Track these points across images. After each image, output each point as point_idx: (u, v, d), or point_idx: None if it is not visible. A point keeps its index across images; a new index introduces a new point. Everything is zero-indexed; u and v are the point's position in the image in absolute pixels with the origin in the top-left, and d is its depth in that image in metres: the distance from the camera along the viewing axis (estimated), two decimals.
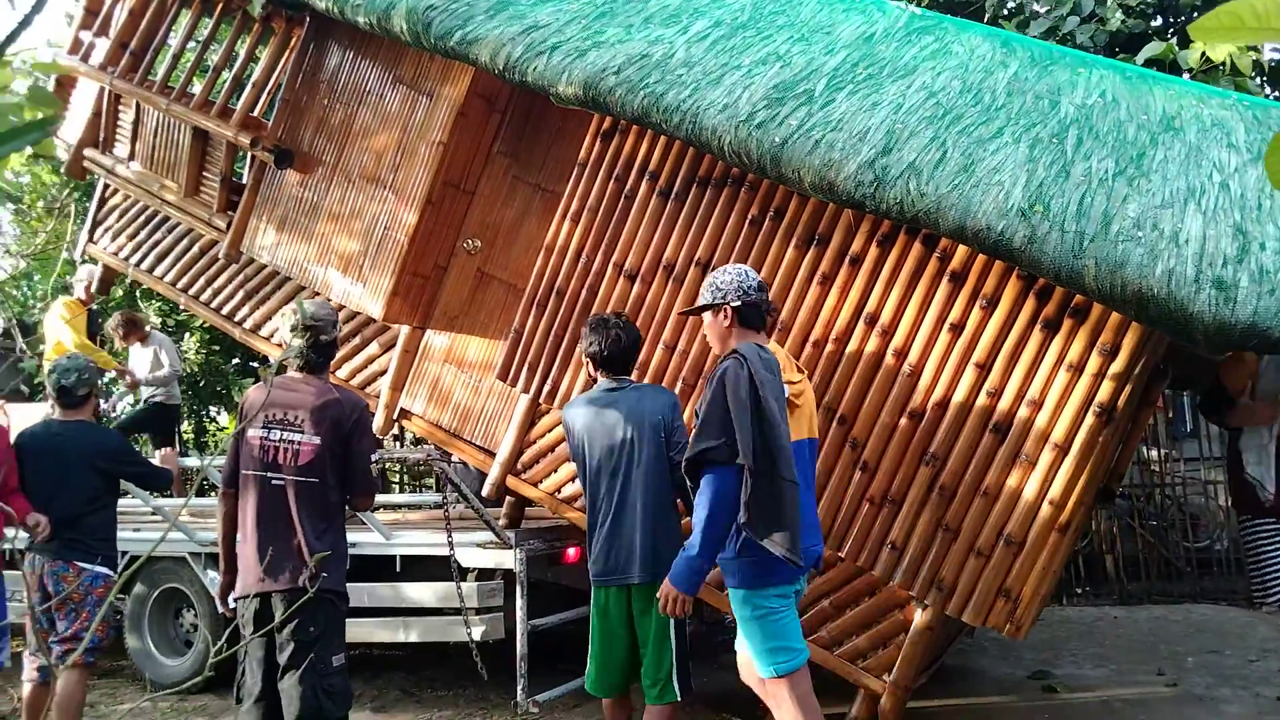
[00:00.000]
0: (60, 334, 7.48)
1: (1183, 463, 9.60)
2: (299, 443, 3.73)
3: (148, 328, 8.43)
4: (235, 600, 3.77)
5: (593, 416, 4.04)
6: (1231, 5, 0.64)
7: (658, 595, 3.42)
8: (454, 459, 5.62)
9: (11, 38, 1.60)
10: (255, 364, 11.06)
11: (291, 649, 3.57)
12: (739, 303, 3.47)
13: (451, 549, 4.87)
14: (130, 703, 6.10)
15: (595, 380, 4.19)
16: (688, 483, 3.36)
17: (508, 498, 5.39)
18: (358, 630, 5.73)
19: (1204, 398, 7.29)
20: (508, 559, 5.28)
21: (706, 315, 3.61)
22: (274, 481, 3.71)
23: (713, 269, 4.61)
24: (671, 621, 3.84)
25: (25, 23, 1.47)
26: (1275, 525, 6.92)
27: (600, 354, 4.09)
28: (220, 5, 6.31)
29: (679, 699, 3.89)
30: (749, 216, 4.59)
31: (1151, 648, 6.72)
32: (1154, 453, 9.69)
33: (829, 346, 4.41)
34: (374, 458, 4.02)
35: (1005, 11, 8.10)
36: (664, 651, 3.88)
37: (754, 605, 3.35)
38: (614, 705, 4.12)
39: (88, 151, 6.75)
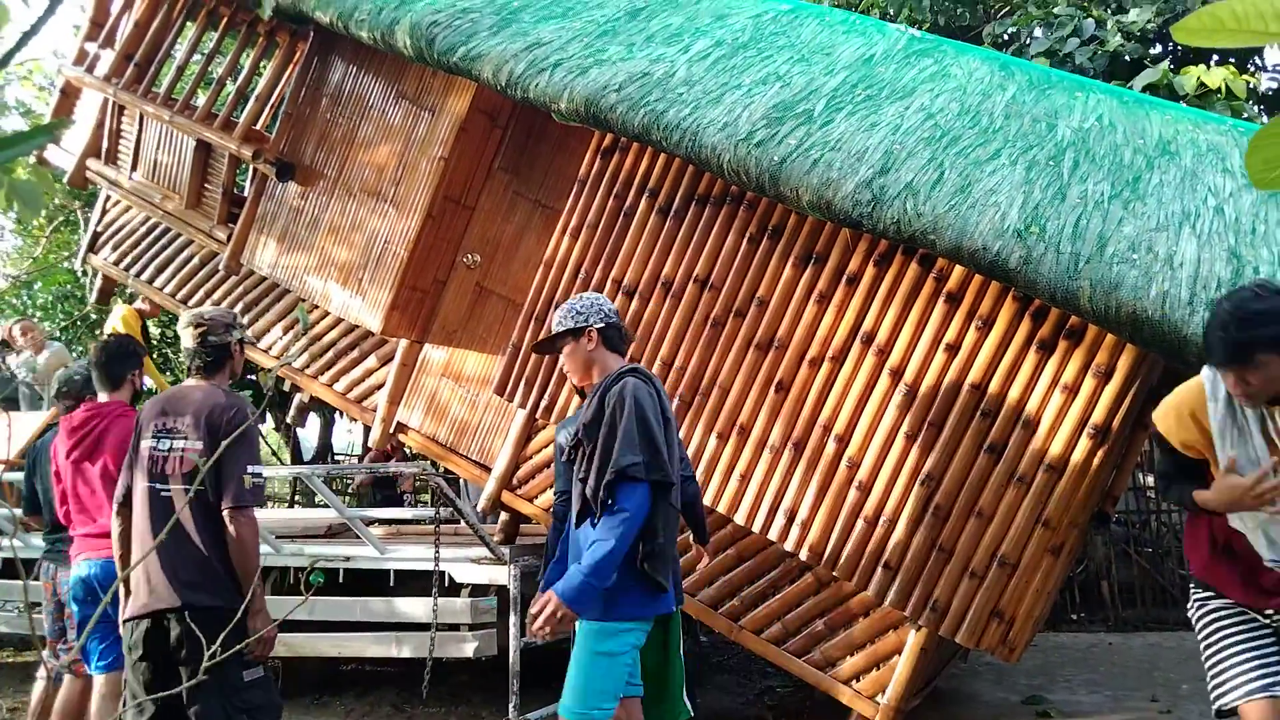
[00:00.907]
0: None
1: None
2: (184, 450, 3.48)
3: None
4: (124, 622, 3.42)
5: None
6: (1212, 7, 0.65)
7: (532, 609, 3.06)
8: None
9: (18, 47, 1.62)
10: (252, 376, 11.05)
11: (193, 671, 3.23)
12: (602, 324, 3.31)
13: (437, 562, 4.84)
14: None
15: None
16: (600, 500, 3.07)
17: (503, 513, 5.38)
18: (351, 645, 5.70)
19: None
20: (502, 575, 5.25)
21: (567, 344, 3.36)
22: (163, 493, 3.46)
23: (711, 286, 4.64)
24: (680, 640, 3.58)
25: (31, 33, 1.49)
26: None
27: None
28: (225, 19, 6.36)
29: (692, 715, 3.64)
30: (747, 234, 4.60)
31: (1146, 674, 6.70)
32: (1150, 478, 9.67)
33: (825, 365, 4.42)
34: (255, 470, 3.49)
35: (1005, 37, 8.16)
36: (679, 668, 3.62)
37: (606, 642, 3.07)
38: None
39: (90, 162, 6.78)
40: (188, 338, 3.61)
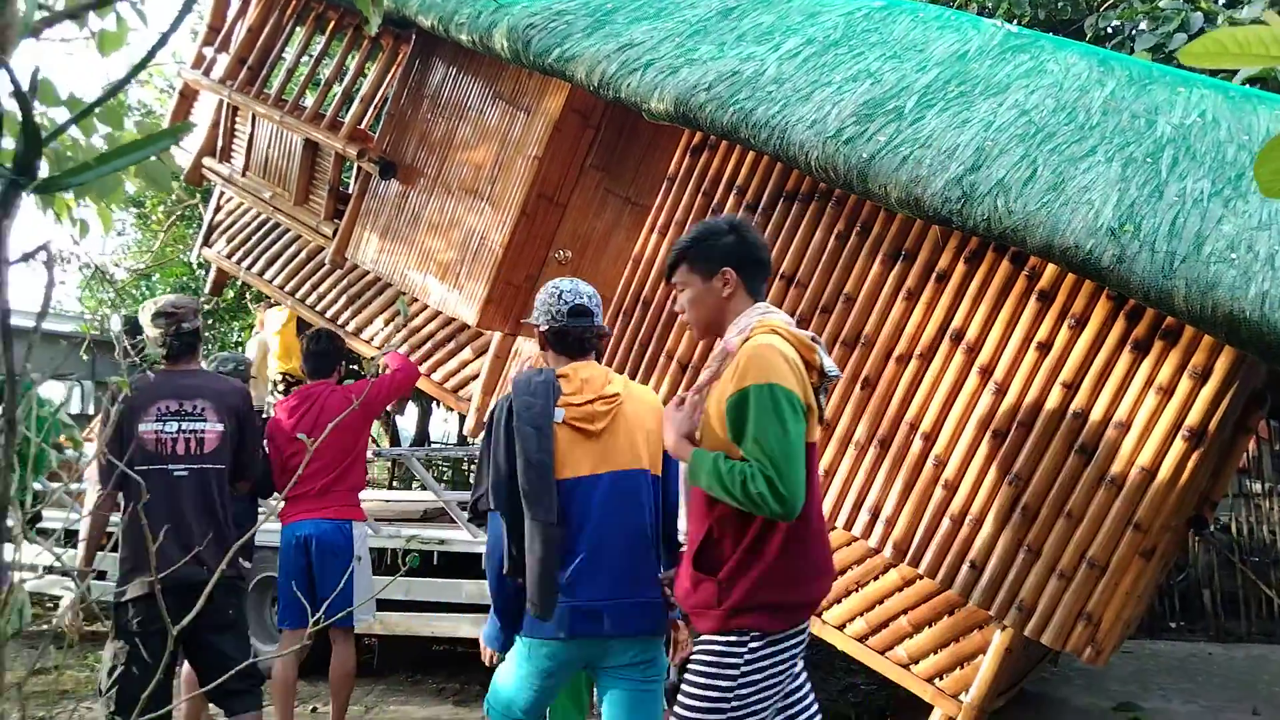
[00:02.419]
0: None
1: None
2: (204, 431, 3.85)
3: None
4: (134, 599, 3.64)
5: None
6: (1217, 33, 0.70)
7: None
8: None
9: (144, 62, 1.78)
10: (355, 365, 11.45)
11: (217, 633, 3.70)
12: (545, 327, 3.15)
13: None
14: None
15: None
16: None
17: None
18: (444, 625, 5.92)
19: None
20: None
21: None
22: (176, 473, 3.76)
23: (798, 283, 4.68)
24: None
25: (159, 45, 1.64)
26: None
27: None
28: (332, 23, 6.64)
29: None
30: (835, 231, 4.63)
31: (1248, 686, 6.49)
32: (1258, 485, 9.33)
33: (913, 362, 4.42)
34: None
35: (1108, 30, 7.95)
36: None
37: (520, 653, 3.00)
38: None
39: (206, 160, 7.15)
40: (156, 327, 3.89)
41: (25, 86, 1.30)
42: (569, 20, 5.12)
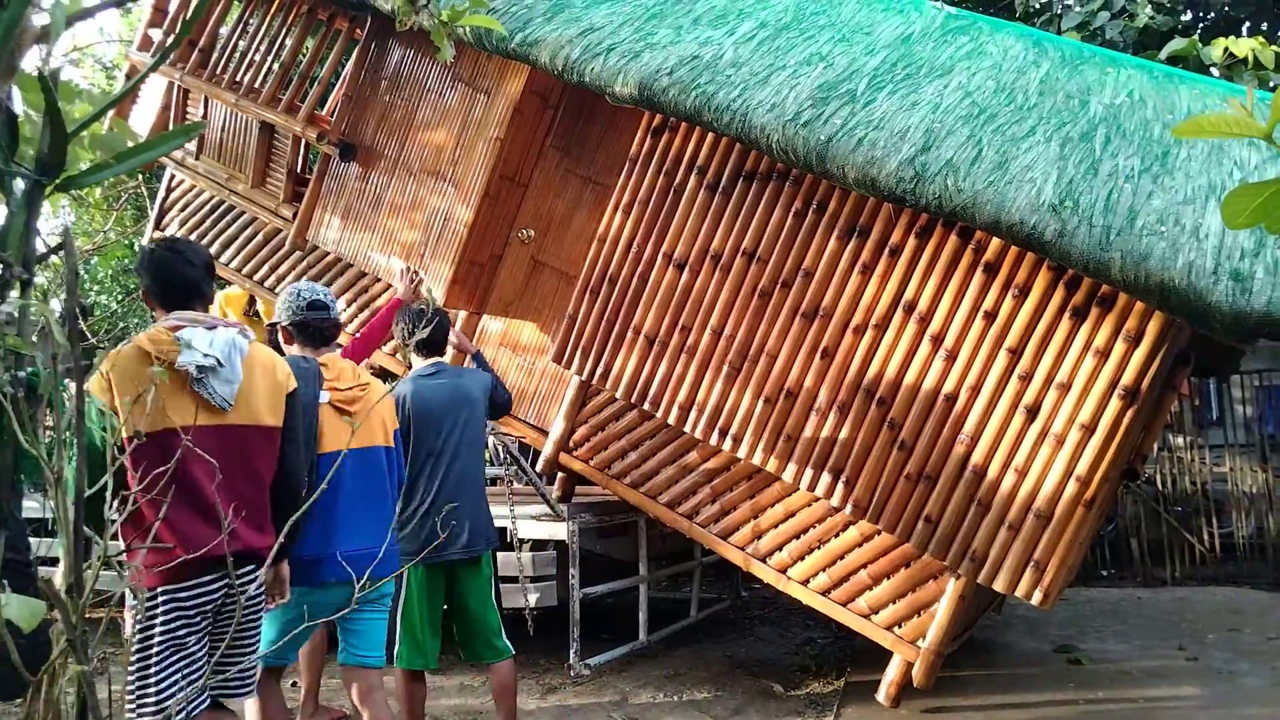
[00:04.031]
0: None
1: (1208, 450, 9.78)
2: None
3: None
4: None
5: (424, 394, 4.08)
6: (1200, 118, 0.92)
7: None
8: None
9: (158, 63, 1.89)
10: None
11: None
12: (288, 322, 3.59)
13: (513, 521, 5.18)
14: None
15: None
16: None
17: (559, 474, 5.71)
18: None
19: None
20: (560, 531, 5.59)
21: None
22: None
23: (759, 259, 4.91)
24: (492, 586, 4.14)
25: (164, 57, 1.75)
26: None
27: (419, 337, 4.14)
28: (276, 1, 6.61)
29: (512, 654, 4.14)
30: (793, 209, 4.86)
31: (1173, 626, 6.97)
32: (1180, 440, 9.89)
33: (869, 333, 4.69)
34: None
35: (1035, 6, 8.29)
36: (491, 614, 4.11)
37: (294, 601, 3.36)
38: (422, 678, 4.16)
39: None
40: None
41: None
42: (529, 4, 5.24)
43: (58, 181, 1.61)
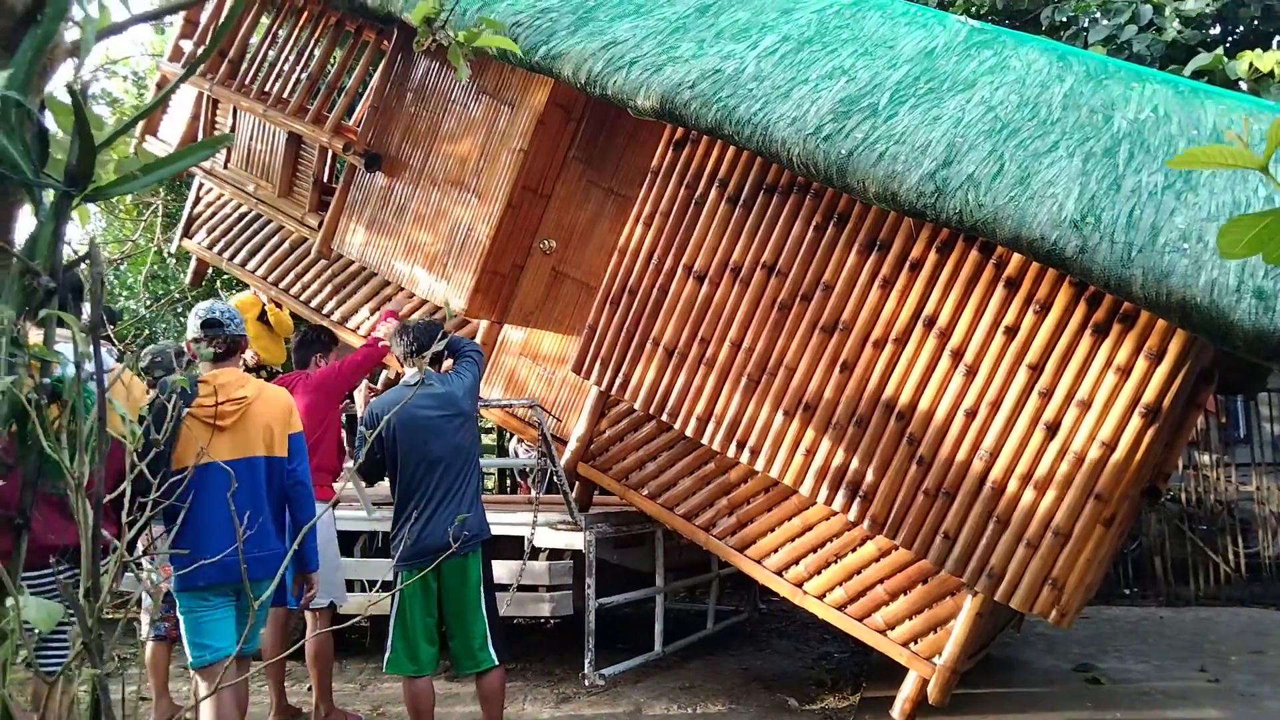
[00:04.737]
0: None
1: (1234, 468, 9.67)
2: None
3: None
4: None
5: (408, 405, 4.09)
6: (1201, 149, 0.93)
7: None
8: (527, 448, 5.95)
9: (186, 75, 1.93)
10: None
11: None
12: (191, 339, 4.02)
13: (533, 529, 5.20)
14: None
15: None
16: None
17: (577, 483, 5.73)
18: None
19: None
20: (578, 540, 5.61)
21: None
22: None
23: (778, 272, 4.92)
24: (483, 594, 4.14)
25: (191, 70, 1.79)
26: None
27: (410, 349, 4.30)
28: (305, 14, 6.70)
29: (496, 664, 4.13)
30: (813, 222, 4.87)
31: (1196, 646, 6.89)
32: (1206, 457, 9.78)
33: (889, 347, 4.68)
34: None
35: (1062, 20, 8.26)
36: (476, 623, 4.12)
37: (181, 603, 3.75)
38: (423, 680, 4.20)
39: None
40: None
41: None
42: (553, 17, 5.28)
43: (85, 193, 1.65)
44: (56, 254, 1.59)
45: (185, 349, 4.17)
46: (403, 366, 4.49)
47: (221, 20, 6.78)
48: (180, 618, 3.80)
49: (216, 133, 7.06)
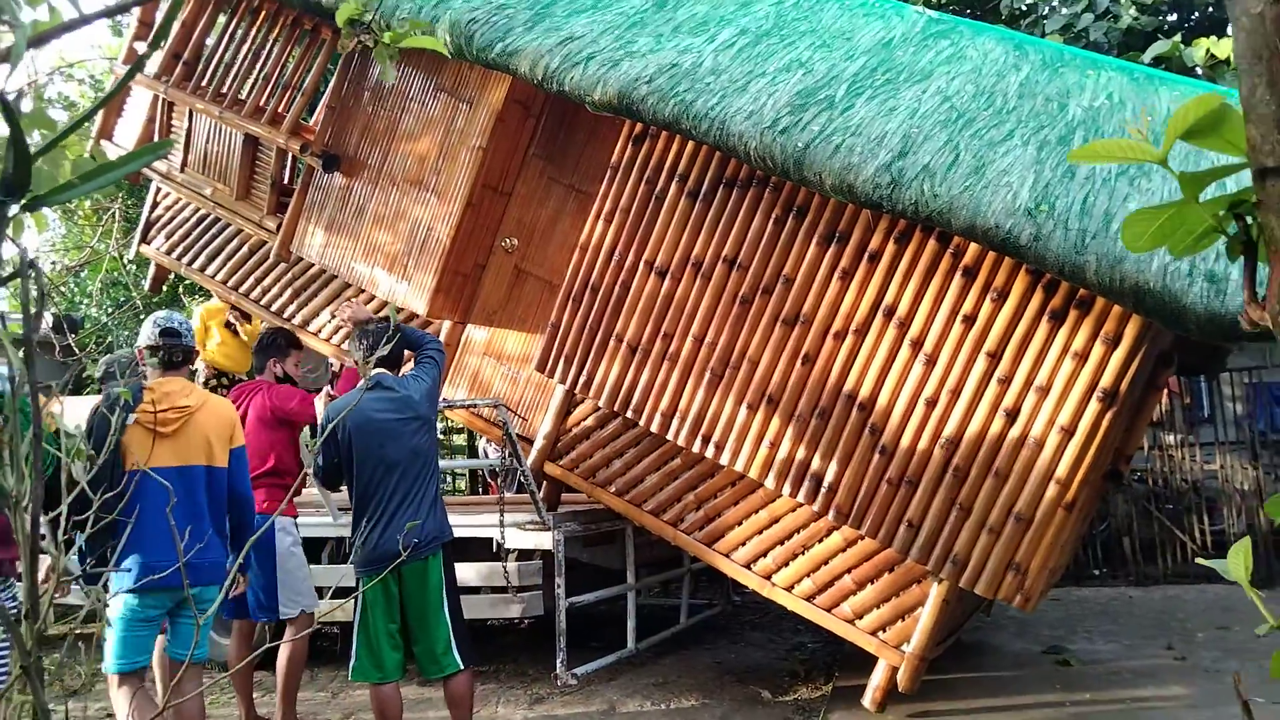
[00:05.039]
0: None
1: (1199, 447, 9.79)
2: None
3: None
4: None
5: (364, 409, 4.11)
6: (1100, 143, 0.92)
7: None
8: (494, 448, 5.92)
9: (130, 75, 1.90)
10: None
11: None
12: (144, 346, 4.10)
13: (501, 531, 5.18)
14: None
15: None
16: None
17: (544, 482, 5.71)
18: None
19: None
20: (546, 540, 5.59)
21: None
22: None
23: (739, 265, 4.92)
24: (445, 597, 4.09)
25: (138, 66, 1.76)
26: None
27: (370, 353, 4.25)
28: (263, 14, 6.61)
29: (462, 668, 4.08)
30: (773, 215, 4.87)
31: (1163, 625, 6.98)
32: (1171, 438, 9.89)
33: (849, 338, 4.69)
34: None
35: (1021, 9, 8.31)
36: (439, 627, 4.07)
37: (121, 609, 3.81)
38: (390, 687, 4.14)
39: None
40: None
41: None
42: (510, 14, 5.24)
43: (24, 203, 1.62)
44: None
45: (137, 356, 4.20)
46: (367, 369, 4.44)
47: (161, 18, 6.69)
48: (113, 621, 3.84)
49: (173, 136, 6.97)
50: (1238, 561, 0.91)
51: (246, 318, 8.05)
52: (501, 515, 5.29)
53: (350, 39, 1.94)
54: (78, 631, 4.18)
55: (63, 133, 1.70)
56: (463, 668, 4.09)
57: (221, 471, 4.00)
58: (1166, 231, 0.90)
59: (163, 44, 6.74)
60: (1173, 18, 8.43)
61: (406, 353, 4.55)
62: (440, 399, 4.77)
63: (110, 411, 3.65)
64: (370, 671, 4.05)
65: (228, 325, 8.00)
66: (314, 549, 5.96)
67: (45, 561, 3.66)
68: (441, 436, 11.59)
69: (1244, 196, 0.83)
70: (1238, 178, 0.88)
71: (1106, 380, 4.22)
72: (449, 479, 11.72)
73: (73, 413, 6.35)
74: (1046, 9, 8.23)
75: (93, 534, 3.19)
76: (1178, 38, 6.54)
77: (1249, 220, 0.85)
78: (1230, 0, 0.69)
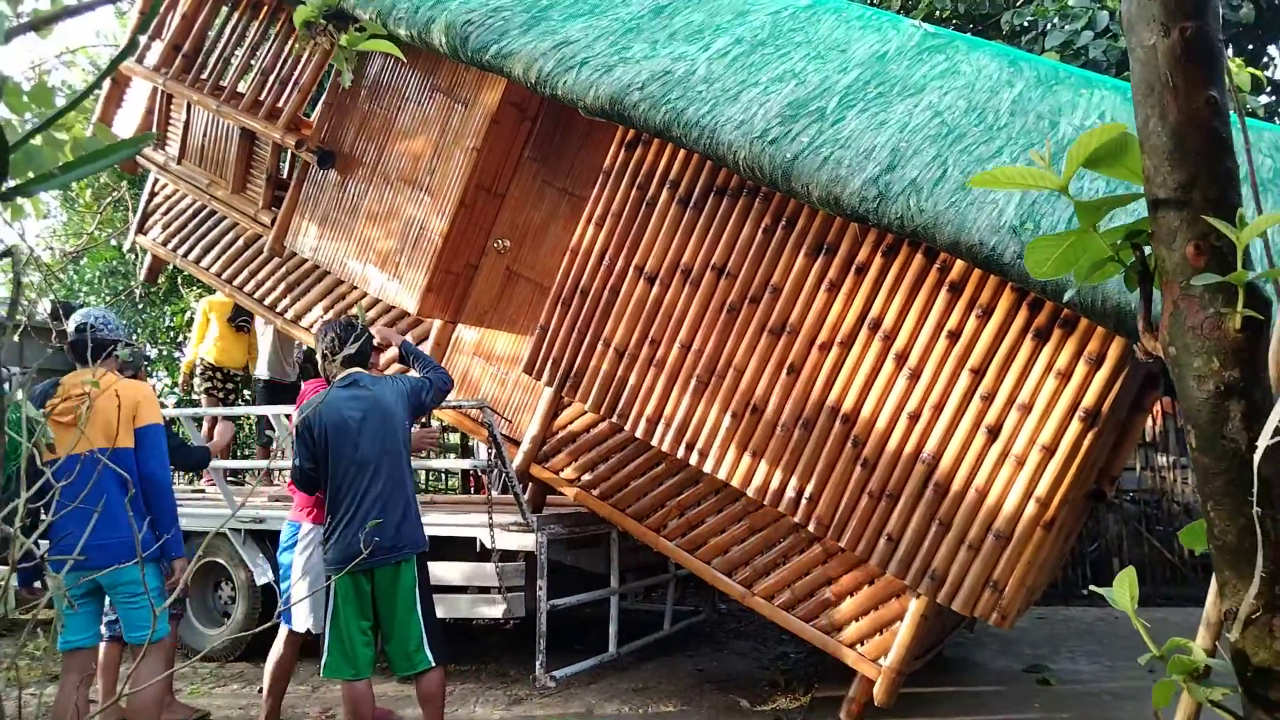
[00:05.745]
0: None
1: (1191, 469, 9.76)
2: None
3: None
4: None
5: (338, 407, 4.13)
6: (1008, 168, 0.93)
7: None
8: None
9: (119, 60, 1.90)
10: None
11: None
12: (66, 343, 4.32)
13: (490, 531, 5.18)
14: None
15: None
16: None
17: (529, 484, 5.71)
18: None
19: None
20: (530, 541, 5.58)
21: None
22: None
23: (728, 274, 4.92)
24: (418, 596, 4.10)
25: (129, 50, 1.76)
26: None
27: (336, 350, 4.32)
28: (265, 9, 6.63)
29: (433, 665, 4.08)
30: (762, 225, 4.87)
31: (1147, 647, 6.95)
32: (1163, 459, 9.88)
33: (834, 350, 4.69)
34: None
35: (1022, 25, 8.31)
36: (412, 625, 4.07)
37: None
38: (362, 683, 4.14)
39: None
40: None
41: None
42: (506, 16, 5.26)
43: (1, 191, 1.62)
44: None
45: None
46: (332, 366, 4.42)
47: (149, 6, 6.71)
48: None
49: (171, 127, 6.99)
50: (1123, 591, 0.90)
51: (246, 325, 8.06)
52: (490, 515, 5.29)
53: (307, 41, 1.95)
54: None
55: (43, 124, 1.71)
56: (434, 665, 4.08)
57: (126, 451, 4.12)
58: (1070, 259, 0.90)
59: (148, 33, 6.76)
60: None
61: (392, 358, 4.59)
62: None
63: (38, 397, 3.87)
64: (343, 668, 4.05)
65: (237, 325, 8.01)
66: None
67: None
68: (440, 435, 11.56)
69: (1141, 227, 0.83)
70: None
71: (1089, 400, 4.22)
72: (443, 477, 11.72)
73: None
74: (1047, 25, 8.22)
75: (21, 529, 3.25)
76: None
77: (1146, 250, 0.86)
78: (1127, 31, 0.69)
